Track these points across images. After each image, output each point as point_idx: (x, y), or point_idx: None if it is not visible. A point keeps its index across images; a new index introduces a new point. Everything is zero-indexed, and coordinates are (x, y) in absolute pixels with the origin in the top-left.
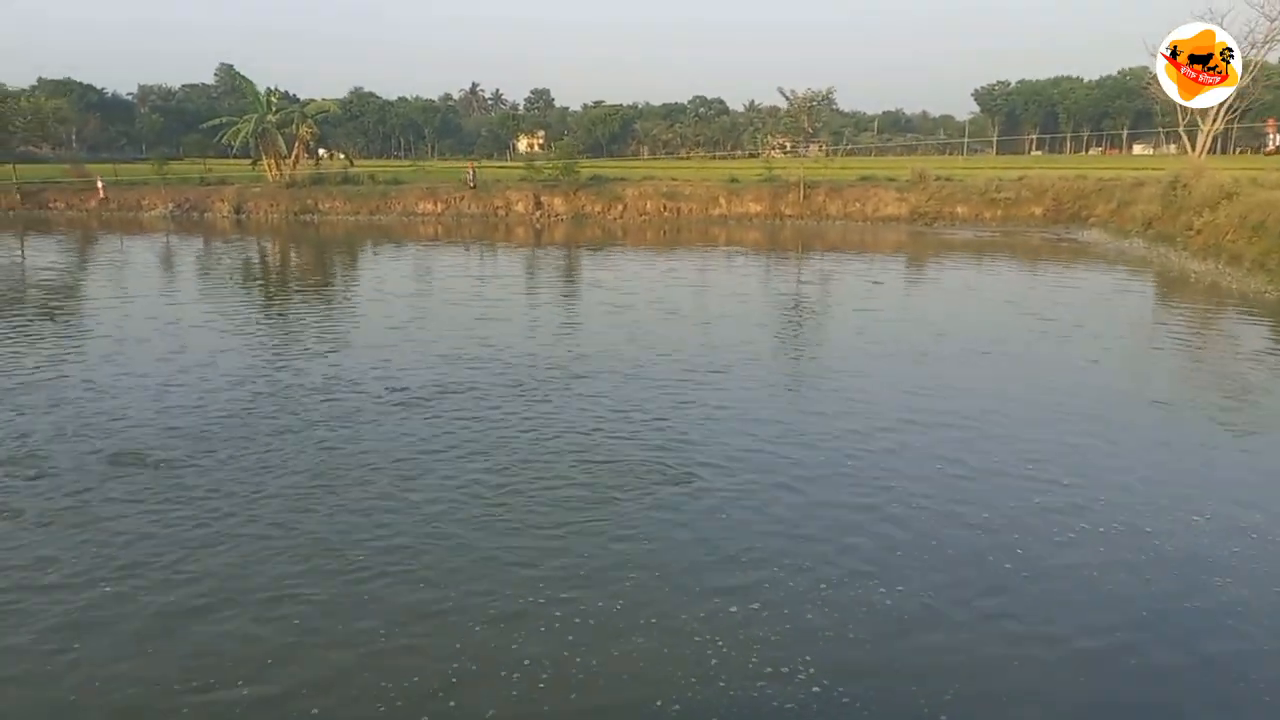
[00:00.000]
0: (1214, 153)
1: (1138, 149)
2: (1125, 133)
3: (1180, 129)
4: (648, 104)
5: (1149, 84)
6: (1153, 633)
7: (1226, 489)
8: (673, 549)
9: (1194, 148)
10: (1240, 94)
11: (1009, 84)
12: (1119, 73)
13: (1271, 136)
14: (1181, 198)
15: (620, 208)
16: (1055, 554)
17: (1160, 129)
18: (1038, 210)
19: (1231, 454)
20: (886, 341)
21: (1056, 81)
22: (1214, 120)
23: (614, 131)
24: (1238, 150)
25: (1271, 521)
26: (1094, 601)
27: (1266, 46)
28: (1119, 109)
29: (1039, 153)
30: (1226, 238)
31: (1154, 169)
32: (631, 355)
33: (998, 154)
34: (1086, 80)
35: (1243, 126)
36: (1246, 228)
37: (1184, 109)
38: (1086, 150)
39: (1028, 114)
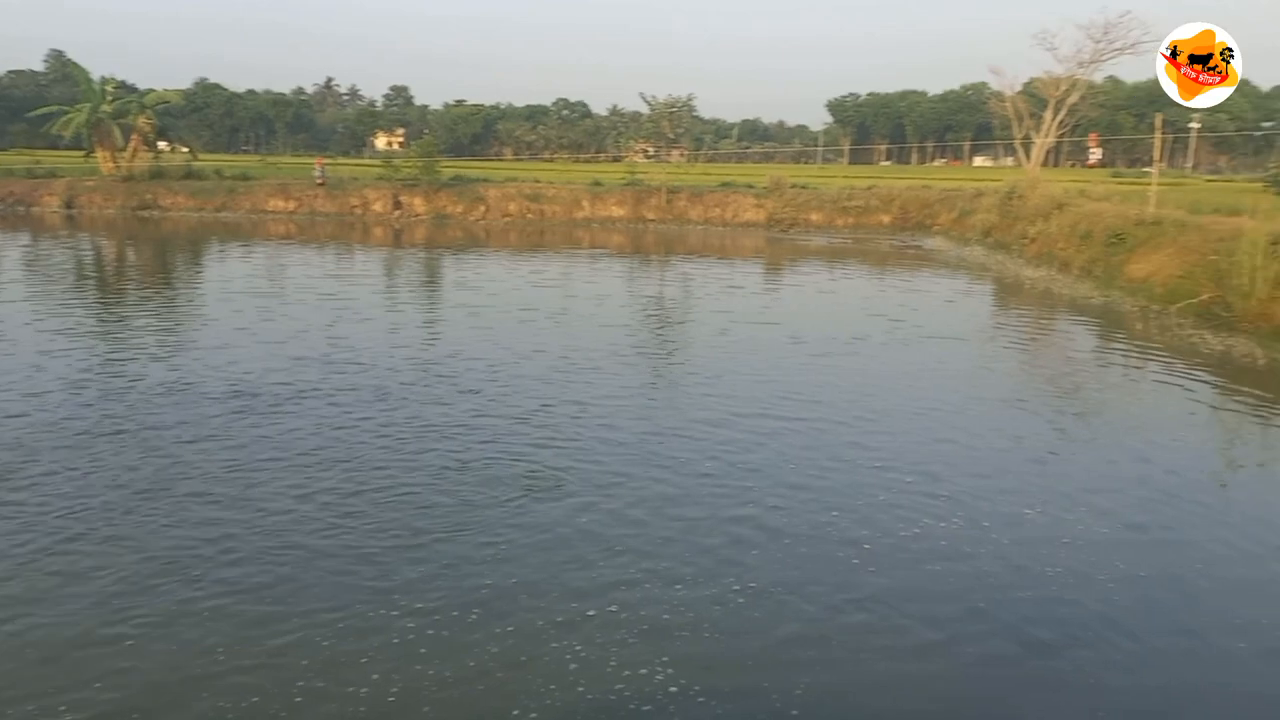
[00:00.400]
0: (1046, 165)
1: (979, 161)
2: (968, 145)
3: (1017, 142)
4: (510, 104)
5: (988, 99)
6: (986, 623)
7: (1063, 483)
8: (531, 554)
9: (1029, 160)
10: (1070, 110)
11: (859, 96)
12: (961, 88)
13: (1093, 150)
14: (1017, 208)
15: (483, 209)
16: (901, 548)
17: (999, 142)
18: (886, 218)
19: (1066, 447)
20: (746, 343)
21: (903, 95)
22: (1046, 134)
23: (476, 131)
24: (1069, 164)
25: (1105, 511)
26: (935, 594)
27: (1093, 66)
28: (961, 122)
29: (888, 163)
30: (1057, 246)
31: (993, 180)
32: (494, 357)
33: (850, 163)
34: (931, 94)
35: (1071, 140)
36: (1075, 236)
37: (1020, 123)
38: (932, 161)
39: (877, 125)
